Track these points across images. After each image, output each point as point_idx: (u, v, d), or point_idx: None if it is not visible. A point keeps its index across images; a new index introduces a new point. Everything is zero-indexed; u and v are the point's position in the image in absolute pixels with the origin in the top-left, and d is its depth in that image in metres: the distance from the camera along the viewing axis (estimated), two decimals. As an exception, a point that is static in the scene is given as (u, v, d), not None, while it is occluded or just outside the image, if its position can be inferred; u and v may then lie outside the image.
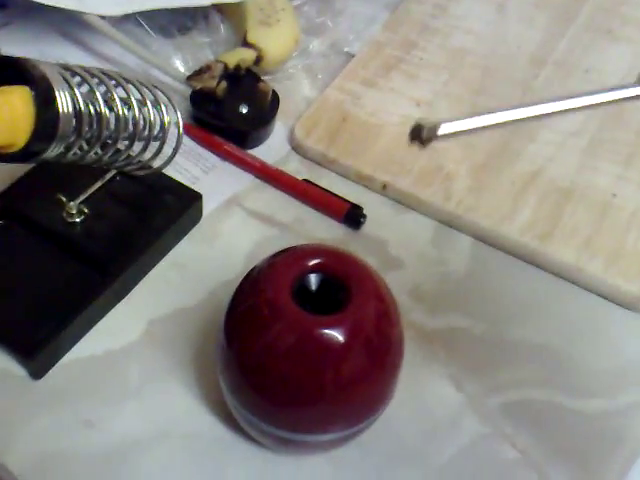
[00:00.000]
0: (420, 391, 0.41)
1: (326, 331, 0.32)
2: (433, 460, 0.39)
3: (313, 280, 0.34)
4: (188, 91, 0.52)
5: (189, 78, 0.50)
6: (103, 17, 0.54)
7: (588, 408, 0.41)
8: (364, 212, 0.48)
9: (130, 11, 0.54)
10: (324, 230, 0.48)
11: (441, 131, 0.23)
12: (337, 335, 0.32)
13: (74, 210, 0.43)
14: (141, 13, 0.55)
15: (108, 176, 0.45)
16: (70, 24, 0.56)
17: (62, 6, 0.52)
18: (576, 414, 0.41)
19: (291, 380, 0.33)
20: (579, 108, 0.26)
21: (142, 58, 0.54)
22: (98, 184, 0.44)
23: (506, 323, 0.44)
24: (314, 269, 0.34)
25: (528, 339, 0.44)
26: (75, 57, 0.56)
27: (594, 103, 0.26)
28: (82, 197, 0.43)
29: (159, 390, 0.40)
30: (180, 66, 0.55)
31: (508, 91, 0.56)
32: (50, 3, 0.52)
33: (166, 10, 0.55)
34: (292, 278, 0.33)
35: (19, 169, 0.45)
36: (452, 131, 0.24)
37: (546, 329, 0.44)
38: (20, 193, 0.44)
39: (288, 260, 0.35)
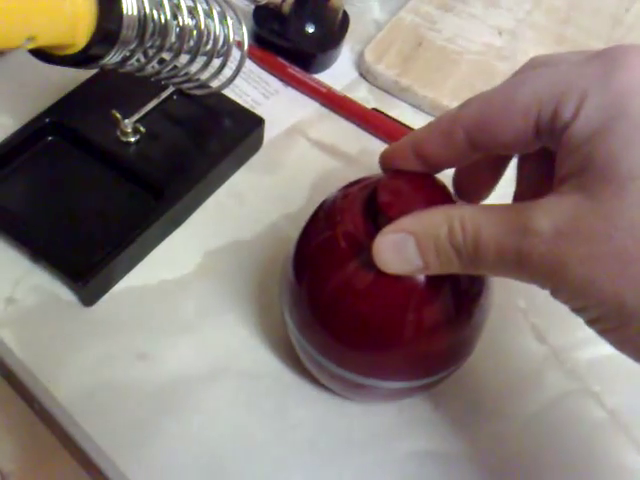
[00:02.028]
0: (500, 342, 0.38)
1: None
2: (513, 416, 0.36)
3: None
4: (251, 7, 0.48)
5: (253, -8, 0.46)
6: None
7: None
8: (439, 146, 0.44)
9: None
10: (394, 164, 0.44)
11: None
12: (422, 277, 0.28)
13: (129, 128, 0.39)
14: None
15: (165, 94, 0.41)
16: None
17: None
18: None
19: (368, 320, 0.29)
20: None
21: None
22: (154, 102, 0.41)
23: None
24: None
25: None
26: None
27: None
28: (138, 115, 0.40)
29: (215, 324, 0.37)
30: (242, -19, 0.50)
31: (597, 24, 0.51)
32: None
33: None
34: (373, 208, 0.29)
35: (71, 81, 0.42)
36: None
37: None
38: (71, 108, 0.41)
39: (368, 189, 0.31)
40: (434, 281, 0.28)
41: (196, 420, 0.34)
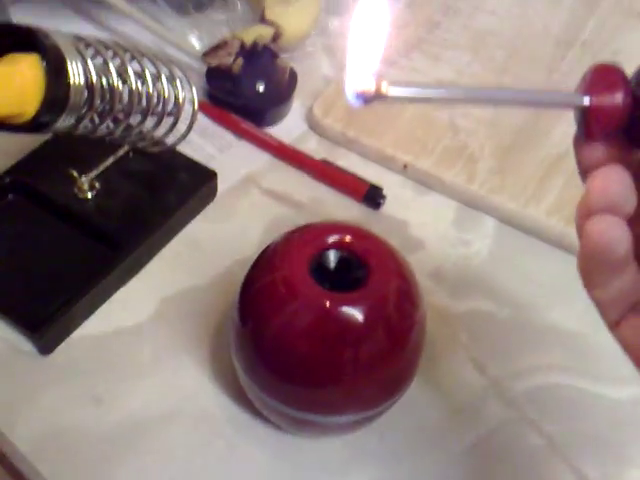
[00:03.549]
0: (442, 374, 0.39)
1: (345, 309, 0.30)
2: (454, 445, 0.37)
3: (331, 257, 0.32)
4: (204, 68, 0.51)
5: (205, 55, 0.49)
6: (119, -7, 0.53)
7: (615, 394, 0.39)
8: (383, 193, 0.46)
9: (146, -13, 0.53)
10: (342, 210, 0.47)
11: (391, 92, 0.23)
12: (356, 313, 0.30)
13: (86, 185, 0.42)
14: (157, -10, 0.54)
15: (121, 152, 0.44)
16: (87, 2, 0.55)
17: (77, -19, 0.51)
18: (603, 400, 0.39)
19: (308, 359, 0.31)
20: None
21: (158, 35, 0.52)
22: (110, 160, 0.43)
23: (531, 307, 0.43)
24: (332, 246, 0.32)
25: (554, 323, 0.42)
26: (90, 33, 0.55)
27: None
28: (94, 172, 0.42)
29: (170, 368, 0.39)
30: (196, 43, 0.53)
31: (533, 72, 0.54)
32: (65, -21, 0.51)
33: (183, -13, 0.54)
34: (310, 255, 0.32)
35: (30, 142, 0.44)
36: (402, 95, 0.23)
37: (573, 314, 0.43)
38: (30, 167, 0.43)
39: (306, 236, 0.33)
40: (368, 320, 0.31)
41: (150, 462, 0.36)
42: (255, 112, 0.50)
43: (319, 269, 0.32)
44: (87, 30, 0.55)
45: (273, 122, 0.51)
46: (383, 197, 0.46)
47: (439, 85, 0.24)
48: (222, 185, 0.46)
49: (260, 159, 0.49)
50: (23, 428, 0.36)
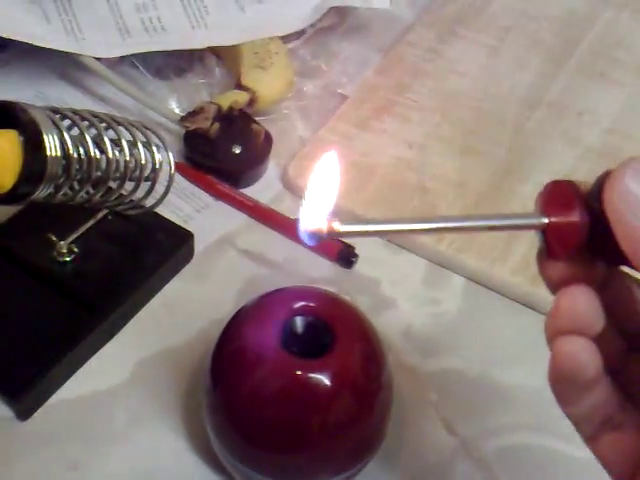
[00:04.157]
0: (412, 434, 0.40)
1: (311, 375, 0.31)
2: (425, 506, 0.38)
3: (299, 323, 0.34)
4: (181, 132, 0.52)
5: (183, 119, 0.51)
6: (99, 59, 0.54)
7: (585, 454, 0.40)
8: (356, 252, 0.48)
9: (126, 53, 0.55)
10: (316, 269, 0.48)
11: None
12: (323, 379, 0.31)
13: (64, 249, 0.43)
14: (137, 55, 0.55)
15: (99, 215, 0.45)
16: (67, 66, 0.57)
17: (60, 48, 0.53)
18: (572, 460, 0.40)
19: (277, 425, 0.32)
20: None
21: (137, 99, 0.54)
22: (89, 223, 0.44)
23: (499, 365, 0.44)
24: (300, 311, 0.33)
25: (522, 382, 0.43)
26: (72, 98, 0.56)
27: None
28: (73, 237, 0.43)
29: (145, 433, 0.39)
30: (175, 107, 0.55)
31: (500, 133, 0.57)
32: (48, 45, 0.53)
33: (162, 52, 0.56)
34: (278, 321, 0.33)
35: (10, 208, 0.45)
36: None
37: (540, 372, 0.43)
38: (10, 232, 0.44)
39: (274, 303, 0.35)
40: (335, 385, 0.32)
41: (124, 527, 0.36)
42: (231, 174, 0.51)
43: (288, 334, 0.33)
44: (70, 94, 0.56)
45: (249, 183, 0.52)
46: (355, 256, 0.48)
47: (390, 219, 0.25)
48: (199, 245, 0.48)
49: (236, 219, 0.50)
50: (-3, 495, 0.37)
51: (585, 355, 0.23)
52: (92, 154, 0.36)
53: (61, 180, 0.35)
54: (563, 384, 0.25)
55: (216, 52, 0.58)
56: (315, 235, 0.24)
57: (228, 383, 0.33)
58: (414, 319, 0.46)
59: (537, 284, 0.46)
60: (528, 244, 0.48)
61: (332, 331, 0.32)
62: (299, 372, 0.31)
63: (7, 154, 0.31)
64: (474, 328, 0.46)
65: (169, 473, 0.38)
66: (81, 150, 0.36)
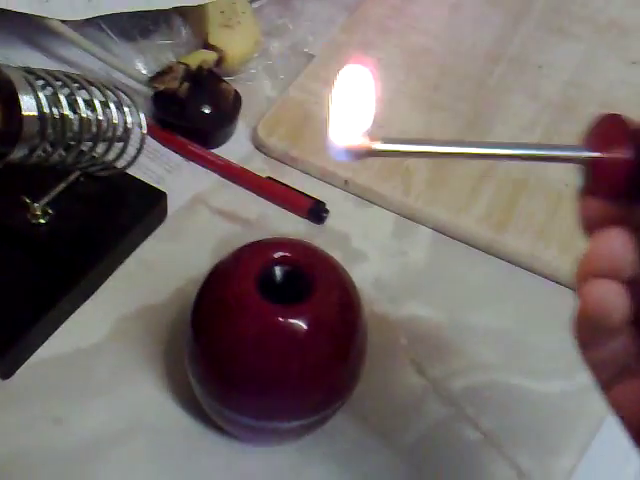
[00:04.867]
0: (384, 378, 0.42)
1: (290, 320, 0.33)
2: (399, 443, 0.40)
3: (278, 272, 0.35)
4: (150, 93, 0.52)
5: (151, 80, 0.51)
6: (65, 21, 0.54)
7: (547, 389, 0.43)
8: (327, 207, 0.49)
9: (91, 15, 0.54)
10: (288, 226, 0.49)
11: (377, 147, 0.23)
12: (301, 324, 0.33)
13: (38, 211, 0.43)
14: (102, 17, 0.55)
15: (72, 177, 0.45)
16: (32, 29, 0.56)
17: (24, 11, 0.52)
18: (535, 395, 0.42)
19: (257, 369, 0.34)
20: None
21: (104, 61, 0.54)
22: (62, 185, 0.45)
23: (465, 310, 0.46)
24: (278, 261, 0.35)
25: (486, 325, 0.45)
26: (38, 61, 0.56)
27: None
28: (46, 199, 0.44)
29: (128, 387, 0.41)
30: (142, 68, 0.55)
31: (464, 88, 0.58)
32: (12, 8, 0.52)
33: (127, 14, 0.55)
34: (257, 270, 0.34)
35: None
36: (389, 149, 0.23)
37: (504, 315, 0.46)
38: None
39: (252, 253, 0.36)
40: (312, 330, 0.33)
41: (113, 477, 0.37)
42: (202, 134, 0.52)
43: (266, 284, 0.34)
44: (35, 58, 0.56)
45: (219, 143, 0.53)
46: (326, 212, 0.49)
47: (430, 140, 0.23)
48: (171, 206, 0.48)
49: (208, 179, 0.51)
50: (-17, 450, 0.38)
51: (615, 300, 0.22)
52: (66, 114, 0.36)
53: (36, 141, 0.35)
54: (587, 328, 0.24)
55: (182, 12, 0.58)
56: (351, 152, 0.23)
57: (209, 332, 0.35)
58: (384, 270, 0.47)
59: (501, 232, 0.48)
60: (491, 192, 0.50)
61: (309, 279, 0.34)
62: (278, 318, 0.33)
63: (-19, 115, 0.32)
64: (441, 276, 0.47)
65: (152, 423, 0.39)
66: (55, 110, 0.36)
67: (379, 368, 0.42)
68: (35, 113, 0.34)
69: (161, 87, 0.50)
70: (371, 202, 0.51)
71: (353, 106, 0.23)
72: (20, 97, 0.33)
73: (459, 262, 0.48)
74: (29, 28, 0.57)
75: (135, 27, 0.58)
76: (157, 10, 0.56)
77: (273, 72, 0.58)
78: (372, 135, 0.22)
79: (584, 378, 0.42)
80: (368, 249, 0.48)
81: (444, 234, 0.49)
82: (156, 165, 0.51)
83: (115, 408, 0.40)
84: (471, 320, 0.45)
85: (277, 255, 0.35)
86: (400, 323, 0.45)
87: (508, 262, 0.48)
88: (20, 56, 0.57)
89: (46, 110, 0.35)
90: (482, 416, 0.41)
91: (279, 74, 0.58)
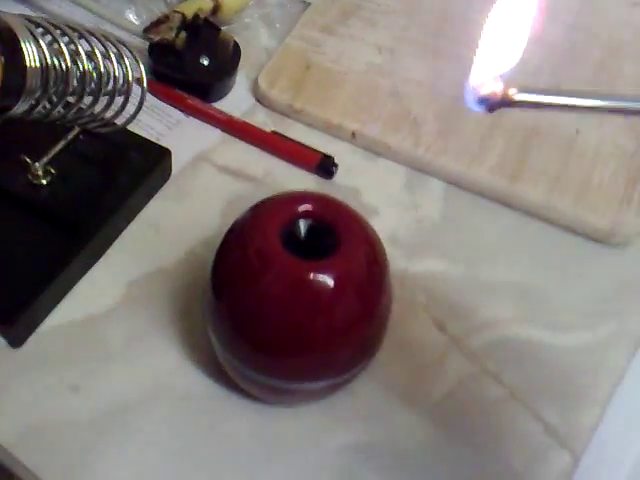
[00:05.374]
0: (405, 335, 0.41)
1: (318, 276, 0.31)
2: (423, 401, 0.39)
3: (302, 226, 0.33)
4: (144, 44, 0.50)
5: (146, 30, 0.48)
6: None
7: (569, 342, 0.42)
8: (335, 161, 0.48)
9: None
10: (296, 181, 0.47)
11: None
12: (329, 279, 0.31)
13: (40, 171, 0.41)
14: (88, -36, 0.52)
15: (72, 135, 0.43)
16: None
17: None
18: (556, 348, 0.42)
19: (284, 328, 0.32)
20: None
21: (94, 12, 0.51)
22: (62, 143, 0.42)
23: (482, 264, 0.45)
24: (302, 215, 0.33)
25: (504, 278, 0.45)
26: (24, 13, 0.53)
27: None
28: (47, 158, 0.41)
29: (145, 351, 0.39)
30: (133, 19, 0.52)
31: (466, 33, 0.56)
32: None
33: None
34: (280, 225, 0.32)
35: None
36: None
37: (521, 267, 0.45)
38: (-22, 157, 0.42)
39: (274, 208, 0.34)
40: (340, 286, 0.32)
41: (134, 445, 0.36)
42: (201, 87, 0.49)
43: (290, 239, 0.33)
44: (18, 10, 0.53)
45: (219, 96, 0.50)
46: (335, 165, 0.47)
47: (568, 91, 0.22)
48: (175, 164, 0.46)
49: (210, 135, 0.49)
50: (3, 422, 0.36)
51: None
52: (69, 66, 0.34)
53: (38, 93, 0.33)
54: None
55: (171, -42, 0.55)
56: (486, 100, 0.22)
57: (232, 293, 0.33)
58: (397, 225, 0.46)
59: (514, 183, 0.47)
60: (503, 142, 0.49)
61: (335, 233, 0.32)
62: (305, 273, 0.31)
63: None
64: (456, 230, 0.46)
65: (172, 389, 0.38)
66: (56, 61, 0.34)
67: (399, 326, 0.41)
68: (38, 64, 0.32)
69: (156, 38, 0.48)
70: (380, 155, 0.49)
71: (501, 46, 0.21)
72: (23, 46, 0.31)
73: (474, 214, 0.47)
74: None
75: (123, -25, 0.54)
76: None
77: (269, 21, 0.56)
78: (507, 82, 0.21)
79: (604, 330, 0.43)
80: (380, 204, 0.47)
81: (457, 186, 0.48)
82: (155, 121, 0.49)
83: (133, 374, 0.38)
84: (488, 274, 0.45)
85: (300, 209, 0.33)
86: (417, 279, 0.44)
87: (523, 212, 0.47)
88: (4, 7, 0.53)
89: (49, 61, 0.33)
90: (505, 371, 0.41)
91: (276, 23, 0.56)
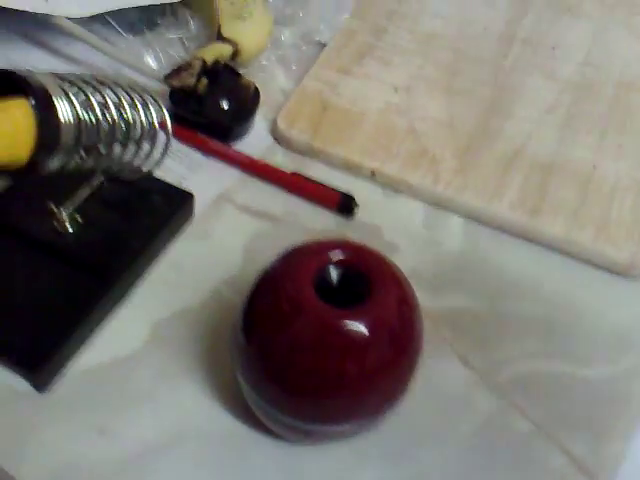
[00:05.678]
0: (430, 373, 0.41)
1: (350, 324, 0.32)
2: (450, 440, 0.39)
3: (333, 273, 0.34)
4: (164, 88, 0.51)
5: (167, 77, 0.49)
6: (69, 18, 0.52)
7: (592, 375, 0.42)
8: (355, 200, 0.48)
9: (97, 11, 0.52)
10: (317, 221, 0.48)
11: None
12: (361, 328, 0.32)
13: (66, 219, 0.42)
14: (108, 12, 0.53)
15: (96, 182, 0.44)
16: (34, 27, 0.55)
17: (27, 9, 0.50)
18: (581, 381, 0.42)
19: (314, 373, 0.33)
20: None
21: (113, 57, 0.52)
22: (87, 191, 0.43)
23: (504, 298, 0.45)
24: (334, 262, 0.34)
25: (527, 312, 0.45)
26: (42, 61, 0.54)
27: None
28: (71, 205, 0.42)
29: (171, 393, 0.39)
30: (152, 63, 0.54)
31: (481, 71, 0.57)
32: (13, 6, 0.50)
33: (134, 8, 0.54)
34: (312, 272, 0.33)
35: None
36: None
37: (543, 301, 0.45)
38: (6, 203, 0.43)
39: (306, 255, 0.35)
40: (372, 333, 0.32)
41: (163, 487, 0.36)
42: (220, 129, 0.50)
43: (321, 285, 0.33)
44: (39, 57, 0.54)
45: (238, 137, 0.51)
46: (356, 205, 0.48)
47: None
48: (197, 204, 0.47)
49: (231, 176, 0.50)
50: (30, 468, 0.36)
51: None
52: (99, 119, 0.35)
53: (72, 148, 0.34)
54: None
55: (189, 4, 0.56)
56: None
57: (264, 336, 0.33)
58: (418, 262, 0.47)
59: (535, 217, 0.48)
60: (521, 177, 0.49)
61: (367, 279, 0.33)
62: (338, 321, 0.32)
63: (20, 123, 0.30)
64: (477, 265, 0.47)
65: (200, 429, 0.38)
66: (87, 115, 0.34)
67: (424, 361, 0.41)
68: (71, 119, 0.33)
69: (178, 84, 0.49)
70: (400, 192, 0.50)
71: None
72: (56, 103, 0.32)
73: (494, 249, 0.47)
74: (31, 26, 0.55)
75: (142, 21, 0.56)
76: (163, 3, 0.55)
77: (286, 62, 0.57)
78: None
79: (627, 361, 0.43)
80: (400, 241, 0.47)
81: (477, 221, 0.48)
82: (177, 164, 0.50)
83: (160, 415, 0.39)
84: (511, 308, 0.45)
85: (333, 257, 0.34)
86: (440, 315, 0.44)
87: (544, 247, 0.47)
88: (23, 55, 0.55)
89: (81, 115, 0.34)
90: (532, 406, 0.41)
91: (292, 64, 0.57)
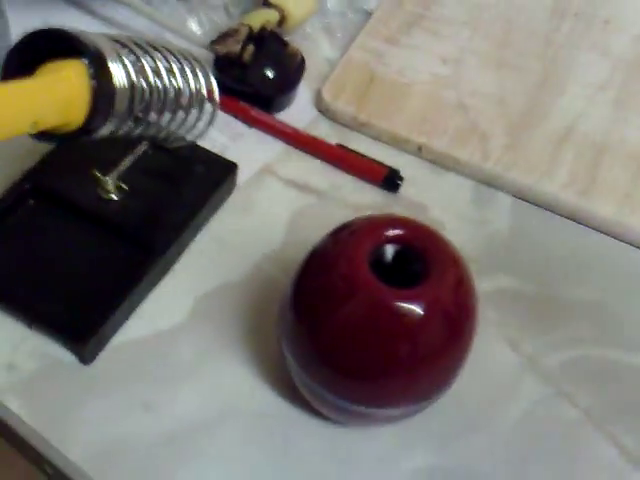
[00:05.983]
0: (478, 356, 0.40)
1: (407, 306, 0.31)
2: (498, 425, 0.38)
3: (389, 251, 0.33)
4: (207, 55, 0.49)
5: (213, 43, 0.48)
6: (111, -20, 0.51)
7: (642, 361, 0.41)
8: (401, 175, 0.47)
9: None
10: (362, 195, 0.47)
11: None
12: (418, 310, 0.31)
13: (111, 186, 0.41)
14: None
15: (140, 150, 0.43)
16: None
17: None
18: (632, 369, 0.41)
19: (367, 354, 0.32)
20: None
21: (155, 21, 0.51)
22: (130, 158, 0.42)
23: (553, 281, 0.44)
24: (390, 240, 0.32)
25: (577, 296, 0.44)
26: (83, 24, 0.53)
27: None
28: (116, 173, 0.41)
29: (215, 369, 0.39)
30: (196, 29, 0.52)
31: (532, 45, 0.55)
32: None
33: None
34: (368, 250, 0.32)
35: (42, 145, 0.43)
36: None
37: (593, 285, 0.44)
38: (49, 170, 0.42)
39: (361, 233, 0.33)
40: (428, 315, 0.31)
41: (208, 464, 0.36)
42: (264, 99, 0.49)
43: (376, 263, 0.32)
44: (78, 19, 0.53)
45: (281, 108, 0.50)
46: (401, 179, 0.47)
47: None
48: (239, 176, 0.46)
49: (274, 147, 0.49)
50: (75, 441, 0.36)
51: None
52: (153, 84, 0.34)
53: (125, 113, 0.33)
54: None
55: (232, -32, 0.54)
56: None
57: (316, 315, 0.32)
58: (465, 240, 0.44)
59: (585, 198, 0.46)
60: (572, 156, 0.48)
61: (423, 258, 0.32)
62: (395, 301, 0.30)
63: (76, 87, 0.29)
64: (526, 246, 0.45)
65: (244, 406, 0.38)
66: (141, 81, 0.33)
67: (473, 345, 0.40)
68: (126, 84, 0.31)
69: (223, 51, 0.47)
70: (447, 168, 0.48)
71: None
72: (111, 67, 0.31)
73: (543, 230, 0.46)
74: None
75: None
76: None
77: (331, 31, 0.55)
78: None
79: None
80: (447, 219, 0.46)
81: (526, 200, 0.47)
82: (219, 133, 0.48)
83: (205, 391, 0.38)
84: (560, 291, 0.44)
85: (390, 234, 0.32)
86: (488, 296, 0.43)
87: (594, 229, 0.46)
88: (63, 18, 0.53)
89: (135, 80, 0.32)
90: (581, 393, 0.40)
91: (337, 33, 0.55)
